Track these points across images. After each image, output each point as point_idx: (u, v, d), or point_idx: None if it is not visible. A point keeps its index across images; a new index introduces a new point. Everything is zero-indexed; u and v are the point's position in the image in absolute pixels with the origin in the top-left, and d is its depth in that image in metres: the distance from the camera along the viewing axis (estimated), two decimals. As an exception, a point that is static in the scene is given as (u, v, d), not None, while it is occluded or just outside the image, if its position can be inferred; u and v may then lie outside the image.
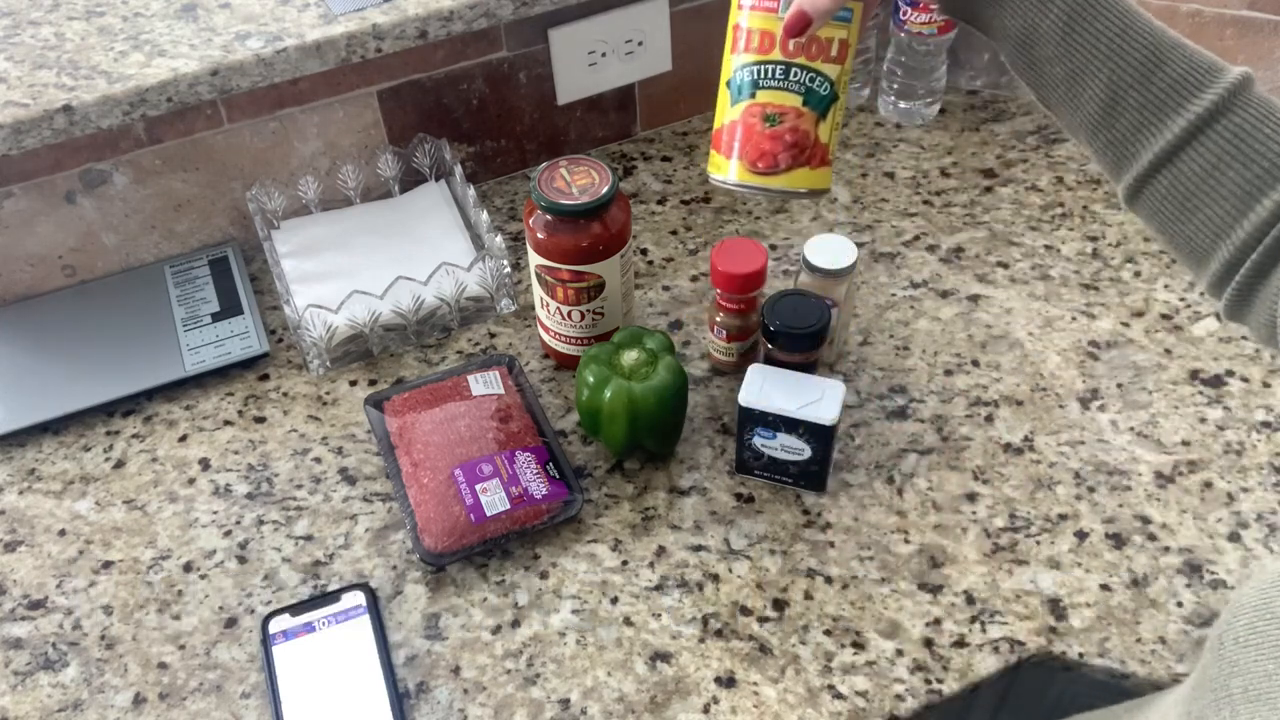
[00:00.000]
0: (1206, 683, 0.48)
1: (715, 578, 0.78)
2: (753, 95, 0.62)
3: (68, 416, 0.90)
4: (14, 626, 0.77)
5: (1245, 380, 0.89)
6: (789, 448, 0.79)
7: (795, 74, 0.61)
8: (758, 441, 0.79)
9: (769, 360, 0.83)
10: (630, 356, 0.81)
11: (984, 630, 0.74)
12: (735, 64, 0.62)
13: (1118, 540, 0.79)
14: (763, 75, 0.61)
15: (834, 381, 0.78)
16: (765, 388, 0.78)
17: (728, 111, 0.63)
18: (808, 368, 0.83)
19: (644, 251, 1.03)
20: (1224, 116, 0.53)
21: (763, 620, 0.75)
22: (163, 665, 0.75)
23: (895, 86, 1.14)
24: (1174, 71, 0.53)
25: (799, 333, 0.81)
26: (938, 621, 0.74)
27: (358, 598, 0.76)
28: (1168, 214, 0.55)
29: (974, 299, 0.96)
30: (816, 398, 0.77)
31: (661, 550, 0.79)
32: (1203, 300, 0.95)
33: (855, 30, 0.62)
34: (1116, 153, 0.57)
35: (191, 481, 0.86)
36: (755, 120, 0.62)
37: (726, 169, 0.63)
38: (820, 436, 0.77)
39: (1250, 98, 0.53)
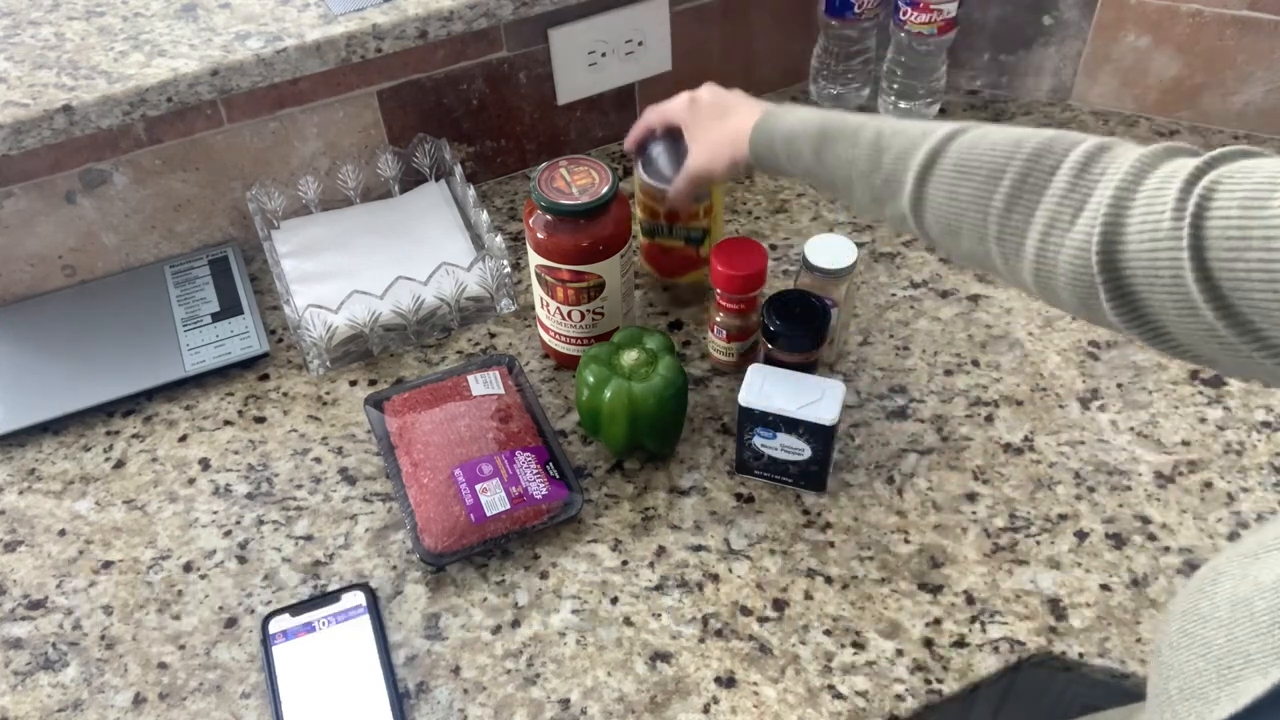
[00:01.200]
0: (1151, 691, 0.50)
1: (715, 578, 0.78)
2: (651, 238, 0.94)
3: (68, 416, 0.90)
4: (14, 626, 0.77)
5: (1245, 380, 0.89)
6: (789, 448, 0.79)
7: (676, 230, 0.92)
8: (758, 441, 0.79)
9: (769, 360, 0.83)
10: (630, 356, 0.81)
11: (984, 630, 0.74)
12: (638, 216, 0.93)
13: (1118, 540, 0.79)
14: (656, 229, 0.92)
15: (834, 381, 0.78)
16: (765, 388, 0.78)
17: (642, 237, 0.95)
18: (808, 368, 0.83)
19: (644, 251, 1.03)
20: (939, 159, 0.63)
21: (763, 620, 0.75)
22: (163, 665, 0.75)
23: (895, 86, 1.14)
24: (895, 151, 0.65)
25: (799, 333, 0.81)
26: (938, 621, 0.74)
27: (358, 598, 0.76)
28: (947, 245, 0.65)
29: (974, 299, 0.96)
30: (816, 398, 0.77)
31: (661, 550, 0.79)
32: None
33: (716, 197, 0.91)
34: (895, 224, 0.68)
35: (191, 481, 0.86)
36: (657, 250, 0.94)
37: (650, 270, 0.97)
38: (820, 436, 0.77)
39: (963, 138, 0.62)
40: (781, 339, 0.82)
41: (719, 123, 0.80)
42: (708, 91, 0.83)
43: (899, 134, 0.66)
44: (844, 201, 0.79)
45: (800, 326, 0.81)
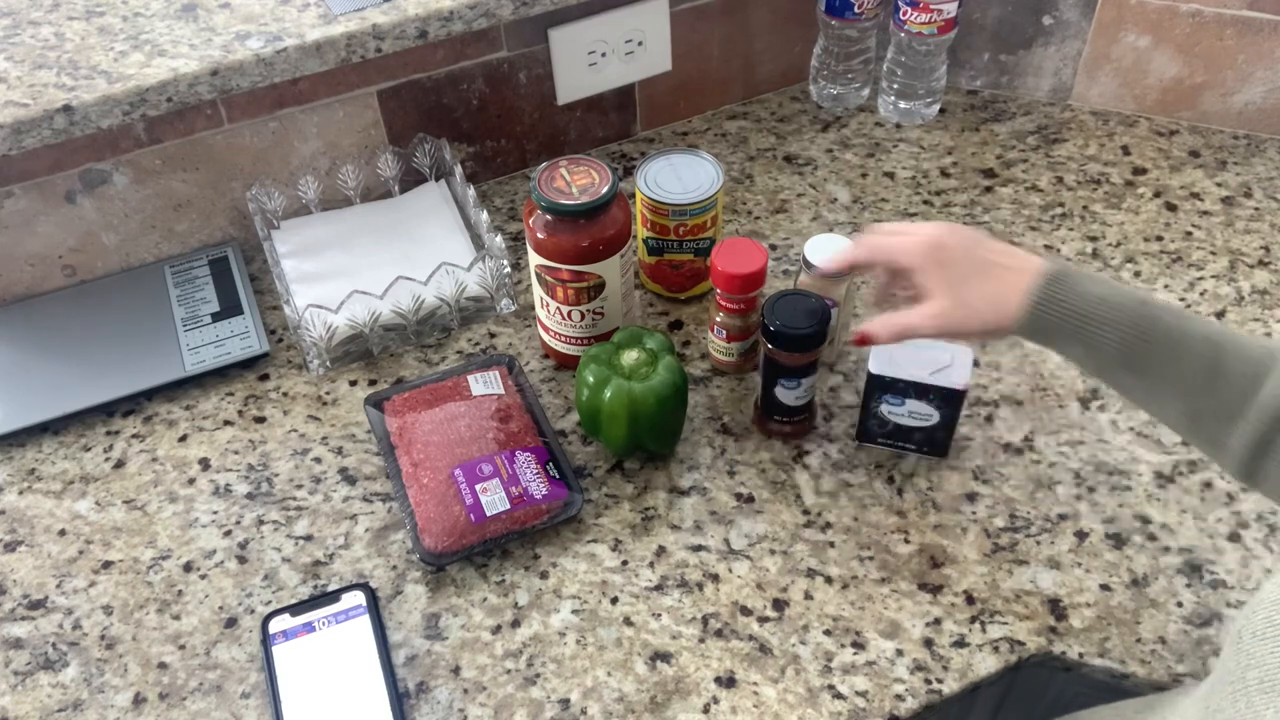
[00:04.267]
0: (1225, 676, 0.49)
1: (715, 578, 0.78)
2: (661, 255, 0.94)
3: (68, 416, 0.89)
4: (14, 626, 0.77)
5: (1245, 380, 0.89)
6: (917, 414, 0.80)
7: (686, 245, 0.93)
8: (885, 409, 0.81)
9: (769, 360, 0.83)
10: (630, 356, 0.81)
11: (984, 630, 0.74)
12: (644, 234, 0.94)
13: (1118, 540, 0.79)
14: (665, 245, 0.93)
15: (961, 347, 0.80)
16: (895, 356, 0.80)
17: (647, 259, 0.96)
18: (807, 368, 0.83)
19: (644, 251, 1.03)
20: None
21: (763, 620, 0.75)
22: (163, 665, 0.75)
23: (895, 86, 1.14)
24: (1234, 374, 0.59)
25: (799, 333, 0.81)
26: (938, 621, 0.74)
27: (358, 598, 0.76)
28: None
29: (974, 299, 0.96)
30: (946, 364, 0.79)
31: (661, 550, 0.79)
32: (1203, 300, 0.95)
33: (718, 207, 0.92)
34: (1214, 450, 0.62)
35: (191, 481, 0.86)
36: (666, 267, 0.95)
37: (658, 290, 0.98)
38: (950, 401, 0.79)
39: None
40: (781, 339, 0.82)
41: (979, 278, 0.66)
42: (956, 236, 0.68)
43: (1236, 352, 0.60)
44: (1136, 404, 0.67)
45: (800, 326, 0.81)
